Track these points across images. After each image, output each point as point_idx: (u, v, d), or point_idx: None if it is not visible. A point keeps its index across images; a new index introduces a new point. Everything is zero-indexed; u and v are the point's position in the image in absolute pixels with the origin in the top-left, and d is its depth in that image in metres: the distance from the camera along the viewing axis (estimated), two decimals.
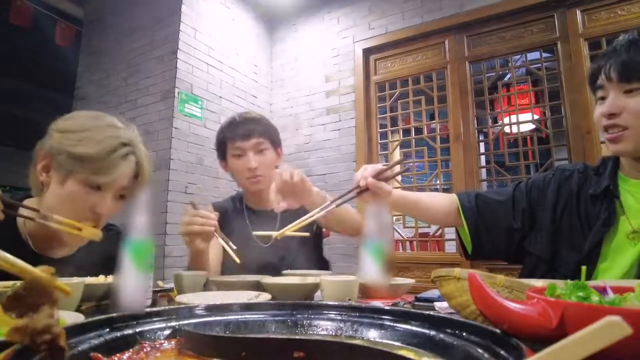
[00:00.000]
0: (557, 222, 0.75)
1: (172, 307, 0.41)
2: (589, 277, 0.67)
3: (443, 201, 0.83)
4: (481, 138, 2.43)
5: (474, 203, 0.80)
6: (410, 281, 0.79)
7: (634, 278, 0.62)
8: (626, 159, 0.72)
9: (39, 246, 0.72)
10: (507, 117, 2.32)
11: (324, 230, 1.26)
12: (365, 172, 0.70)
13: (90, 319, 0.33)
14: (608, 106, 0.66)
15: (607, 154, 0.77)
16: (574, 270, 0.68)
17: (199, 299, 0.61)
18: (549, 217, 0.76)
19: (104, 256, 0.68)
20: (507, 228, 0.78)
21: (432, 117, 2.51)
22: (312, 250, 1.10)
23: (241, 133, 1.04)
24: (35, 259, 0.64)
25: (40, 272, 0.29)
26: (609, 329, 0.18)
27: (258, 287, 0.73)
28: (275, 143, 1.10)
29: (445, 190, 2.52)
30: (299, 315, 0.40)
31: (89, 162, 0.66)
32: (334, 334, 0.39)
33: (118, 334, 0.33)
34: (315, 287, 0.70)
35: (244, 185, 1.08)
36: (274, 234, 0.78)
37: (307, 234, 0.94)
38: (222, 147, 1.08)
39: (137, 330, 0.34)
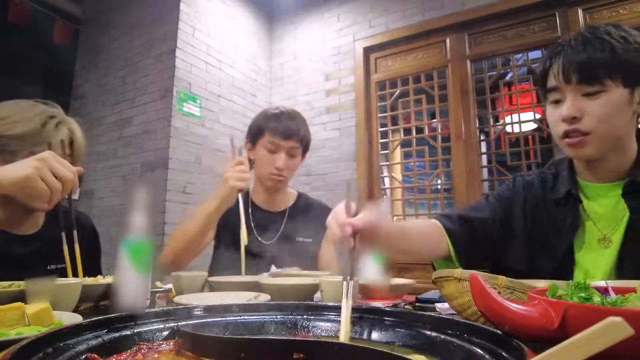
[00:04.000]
0: (529, 230, 0.73)
1: (170, 307, 0.41)
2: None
3: (429, 226, 0.72)
4: (482, 137, 2.42)
5: (457, 224, 0.72)
6: (410, 282, 0.79)
7: None
8: (581, 162, 0.70)
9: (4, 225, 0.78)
10: (509, 116, 2.31)
11: None
12: (342, 218, 0.50)
13: (88, 320, 0.33)
14: (569, 109, 0.62)
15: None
16: (550, 277, 0.66)
17: (198, 299, 0.61)
18: (521, 226, 0.73)
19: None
20: (490, 240, 0.74)
21: (433, 116, 2.51)
22: (314, 252, 1.09)
23: (283, 131, 1.03)
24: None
25: None
26: (610, 330, 0.18)
27: (257, 287, 0.72)
28: (306, 150, 1.12)
29: (447, 190, 2.52)
30: (298, 316, 0.40)
31: (28, 138, 0.75)
32: (333, 335, 0.39)
33: (116, 334, 0.33)
34: (315, 287, 0.70)
35: (263, 178, 1.08)
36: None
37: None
38: (259, 133, 1.06)
39: (136, 331, 0.34)
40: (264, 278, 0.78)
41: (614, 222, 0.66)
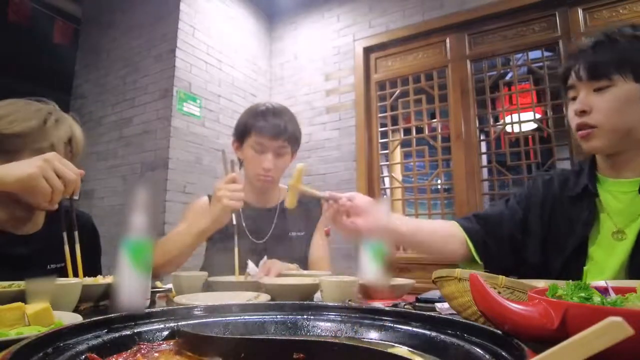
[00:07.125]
0: (546, 226, 0.76)
1: (170, 307, 0.41)
2: (576, 277, 0.65)
3: (443, 225, 0.79)
4: (482, 137, 2.42)
5: (474, 222, 0.78)
6: (410, 282, 0.79)
7: (623, 279, 0.62)
8: (602, 158, 0.74)
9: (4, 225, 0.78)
10: (509, 116, 2.31)
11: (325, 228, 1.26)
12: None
13: (88, 320, 0.33)
14: (579, 103, 0.68)
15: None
16: (559, 272, 0.69)
17: (198, 299, 0.61)
18: (538, 222, 0.76)
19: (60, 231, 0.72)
20: (509, 238, 0.77)
21: (432, 116, 2.51)
22: (306, 249, 1.09)
23: (269, 130, 0.99)
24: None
25: None
26: (610, 330, 0.18)
27: (257, 287, 0.72)
28: (295, 147, 1.08)
29: (447, 190, 2.52)
30: (298, 316, 0.40)
31: (30, 137, 0.74)
32: (333, 335, 0.39)
33: (116, 334, 0.33)
34: (315, 287, 0.70)
35: (251, 178, 1.06)
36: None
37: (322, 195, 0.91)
38: (245, 133, 1.03)
39: (136, 331, 0.34)
40: (264, 278, 0.78)
41: (630, 217, 0.67)
